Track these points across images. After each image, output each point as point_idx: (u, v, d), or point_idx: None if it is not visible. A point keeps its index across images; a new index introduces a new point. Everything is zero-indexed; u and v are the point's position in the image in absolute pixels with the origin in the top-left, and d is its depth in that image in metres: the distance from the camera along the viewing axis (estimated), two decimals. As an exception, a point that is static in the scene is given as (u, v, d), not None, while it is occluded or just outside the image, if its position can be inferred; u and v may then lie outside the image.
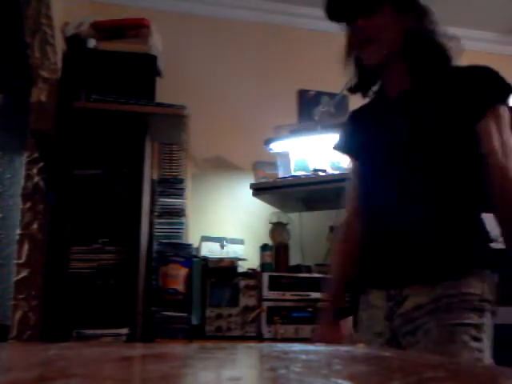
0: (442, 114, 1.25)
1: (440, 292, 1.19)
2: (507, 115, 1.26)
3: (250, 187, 2.48)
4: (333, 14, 1.33)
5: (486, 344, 1.17)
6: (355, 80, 1.40)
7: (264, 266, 2.43)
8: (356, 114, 1.48)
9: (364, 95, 1.42)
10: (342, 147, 1.49)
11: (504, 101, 1.26)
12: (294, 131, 2.52)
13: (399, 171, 1.28)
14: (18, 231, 2.11)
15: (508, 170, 1.20)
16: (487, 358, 1.17)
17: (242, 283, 2.21)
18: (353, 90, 1.42)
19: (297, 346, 0.69)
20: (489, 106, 1.25)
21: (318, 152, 2.49)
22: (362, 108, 1.47)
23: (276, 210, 2.67)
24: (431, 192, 1.25)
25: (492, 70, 1.26)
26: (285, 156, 2.57)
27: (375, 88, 1.40)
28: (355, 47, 1.33)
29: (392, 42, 1.27)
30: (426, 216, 1.24)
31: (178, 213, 2.45)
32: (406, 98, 1.30)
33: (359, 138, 1.41)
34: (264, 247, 2.50)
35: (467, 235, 1.24)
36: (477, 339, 1.16)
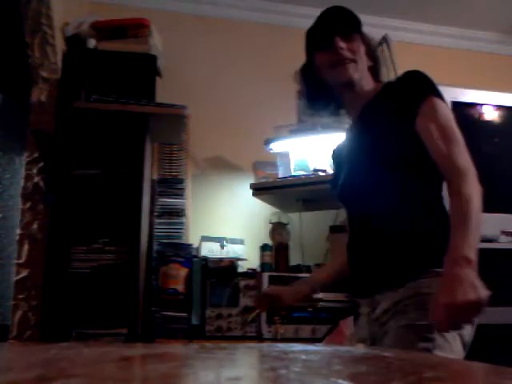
0: (391, 124, 1.31)
1: (401, 295, 1.22)
2: (442, 104, 1.28)
3: (250, 187, 2.48)
4: (315, 37, 1.42)
5: (439, 342, 1.14)
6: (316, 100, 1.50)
7: (264, 265, 2.43)
8: (335, 151, 1.59)
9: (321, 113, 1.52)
10: (333, 187, 1.53)
11: (434, 93, 1.29)
12: (294, 131, 2.52)
13: (363, 186, 1.34)
14: (18, 231, 2.11)
15: (450, 155, 1.21)
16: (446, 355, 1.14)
17: (242, 283, 2.21)
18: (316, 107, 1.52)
19: (297, 346, 0.69)
20: (420, 101, 1.28)
21: (317, 152, 2.48)
22: (339, 144, 1.58)
23: (276, 210, 2.67)
24: (390, 198, 1.29)
25: (418, 71, 1.32)
26: (285, 156, 2.57)
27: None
28: (326, 67, 1.40)
29: (361, 66, 1.39)
30: (386, 223, 1.29)
31: (178, 213, 2.46)
32: (366, 117, 1.39)
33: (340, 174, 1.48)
34: (264, 247, 2.50)
35: (425, 235, 1.26)
36: (426, 339, 1.15)
